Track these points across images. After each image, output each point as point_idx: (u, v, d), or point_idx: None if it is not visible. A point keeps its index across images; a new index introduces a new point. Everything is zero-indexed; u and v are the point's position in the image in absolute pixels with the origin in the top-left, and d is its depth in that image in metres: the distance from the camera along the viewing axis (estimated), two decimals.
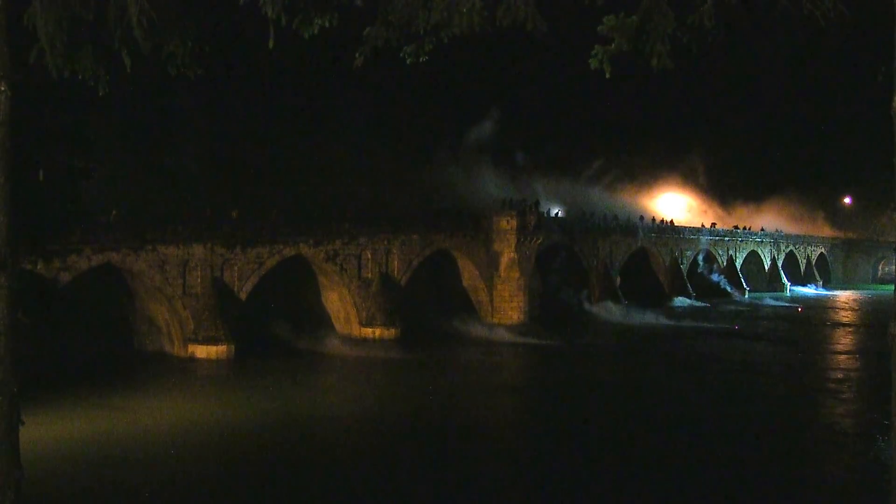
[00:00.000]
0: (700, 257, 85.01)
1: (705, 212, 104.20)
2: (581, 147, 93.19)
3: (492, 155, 79.29)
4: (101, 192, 48.52)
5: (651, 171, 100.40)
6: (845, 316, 75.08)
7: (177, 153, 61.00)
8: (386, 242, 53.40)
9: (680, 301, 77.19)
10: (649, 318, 64.05)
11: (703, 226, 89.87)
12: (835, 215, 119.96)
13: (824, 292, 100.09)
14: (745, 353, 50.33)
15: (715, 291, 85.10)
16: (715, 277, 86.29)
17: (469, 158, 77.63)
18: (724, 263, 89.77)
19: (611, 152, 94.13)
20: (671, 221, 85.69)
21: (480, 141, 79.14)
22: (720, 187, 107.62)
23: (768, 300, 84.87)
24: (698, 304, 77.20)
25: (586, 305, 66.33)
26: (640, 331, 58.74)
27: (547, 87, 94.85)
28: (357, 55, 8.16)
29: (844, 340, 58.11)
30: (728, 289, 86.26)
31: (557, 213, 71.82)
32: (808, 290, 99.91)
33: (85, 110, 44.04)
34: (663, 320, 63.49)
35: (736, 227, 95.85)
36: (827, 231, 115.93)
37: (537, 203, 64.58)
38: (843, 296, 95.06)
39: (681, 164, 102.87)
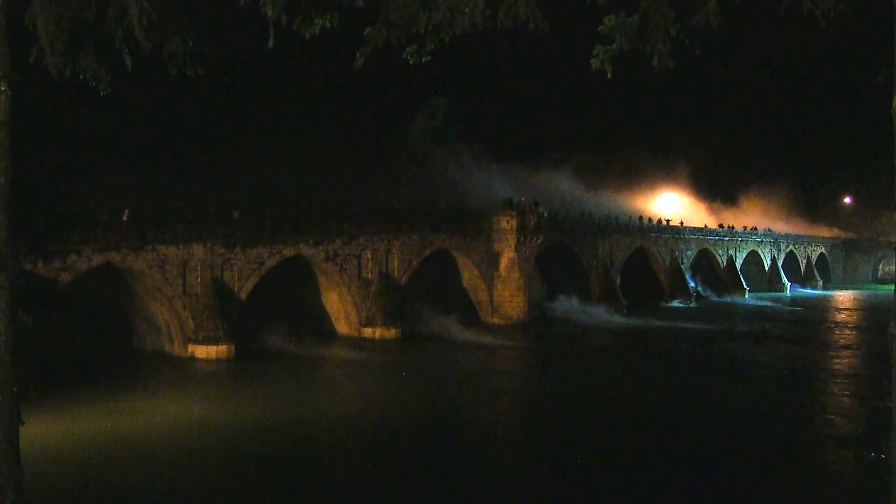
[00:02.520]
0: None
1: (697, 208, 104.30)
2: (570, 145, 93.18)
3: (480, 151, 79.15)
4: (100, 191, 48.56)
5: (648, 171, 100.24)
6: (843, 316, 75.05)
7: (176, 152, 61.02)
8: (386, 242, 53.39)
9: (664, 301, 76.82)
10: (604, 316, 63.46)
11: (678, 223, 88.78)
12: (835, 215, 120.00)
13: (824, 292, 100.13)
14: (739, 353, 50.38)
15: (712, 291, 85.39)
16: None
17: (458, 155, 77.34)
18: (725, 263, 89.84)
19: (605, 151, 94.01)
20: (668, 221, 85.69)
21: (461, 136, 78.77)
22: (713, 187, 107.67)
23: (750, 300, 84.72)
24: (681, 304, 76.98)
25: (546, 304, 64.75)
26: (596, 331, 57.90)
27: (533, 85, 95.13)
28: (357, 55, 8.15)
29: (840, 340, 58.06)
30: (691, 285, 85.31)
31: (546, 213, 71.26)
32: (809, 291, 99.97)
33: (85, 110, 44.04)
34: (618, 318, 63.05)
35: (723, 226, 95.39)
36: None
37: (537, 203, 64.56)
38: (843, 296, 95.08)
39: (676, 164, 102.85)
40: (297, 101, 71.87)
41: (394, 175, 71.44)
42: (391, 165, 73.61)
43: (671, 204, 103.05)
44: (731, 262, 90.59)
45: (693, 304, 77.47)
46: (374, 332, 50.98)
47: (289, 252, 48.61)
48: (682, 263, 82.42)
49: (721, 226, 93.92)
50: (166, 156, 60.25)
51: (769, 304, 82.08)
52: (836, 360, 48.92)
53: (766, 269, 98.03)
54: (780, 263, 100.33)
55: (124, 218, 43.04)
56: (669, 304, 75.95)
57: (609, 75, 7.45)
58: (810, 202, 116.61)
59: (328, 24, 7.85)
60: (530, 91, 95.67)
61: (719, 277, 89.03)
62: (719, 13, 7.10)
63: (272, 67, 62.75)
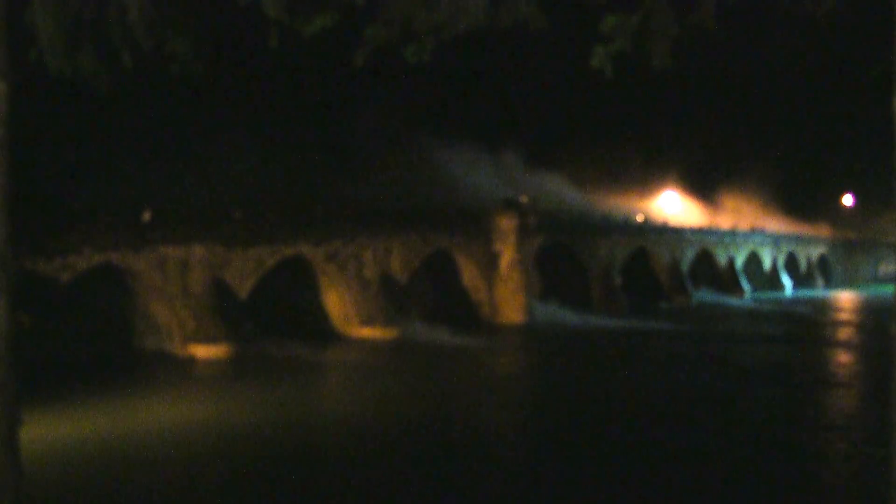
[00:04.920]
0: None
1: (694, 207, 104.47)
2: (565, 144, 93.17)
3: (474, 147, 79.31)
4: (101, 191, 48.58)
5: (642, 171, 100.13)
6: (844, 316, 75.01)
7: (176, 152, 61.06)
8: (386, 242, 53.36)
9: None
10: (604, 317, 63.30)
11: (675, 223, 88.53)
12: (835, 215, 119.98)
13: (824, 292, 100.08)
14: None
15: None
16: None
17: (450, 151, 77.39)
18: (725, 264, 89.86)
19: (598, 150, 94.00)
20: (665, 223, 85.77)
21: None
22: (707, 187, 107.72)
23: (751, 301, 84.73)
24: (681, 305, 76.95)
25: (545, 304, 63.96)
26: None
27: (526, 84, 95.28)
28: (357, 55, 8.14)
29: (841, 340, 58.05)
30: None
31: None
32: (809, 291, 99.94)
33: (86, 110, 44.01)
34: (618, 319, 63.03)
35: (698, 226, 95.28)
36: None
37: (536, 202, 64.55)
38: (844, 296, 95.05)
39: (671, 164, 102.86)
40: (292, 100, 71.97)
41: (391, 173, 71.43)
42: (388, 164, 73.61)
43: (672, 204, 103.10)
44: (731, 262, 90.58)
45: (693, 305, 77.52)
46: (374, 332, 50.97)
47: (289, 252, 48.61)
48: (682, 264, 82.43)
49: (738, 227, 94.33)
50: (166, 155, 60.28)
51: (769, 304, 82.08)
52: (836, 360, 48.95)
53: (767, 269, 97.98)
54: (780, 264, 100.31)
55: (146, 217, 42.98)
56: (669, 305, 75.96)
57: (609, 75, 7.45)
58: (810, 202, 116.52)
59: (328, 23, 7.84)
60: (522, 90, 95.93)
61: (720, 278, 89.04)
62: (714, 14, 7.10)
63: (269, 66, 62.84)
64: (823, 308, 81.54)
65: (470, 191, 69.87)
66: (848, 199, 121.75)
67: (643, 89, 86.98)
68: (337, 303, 52.98)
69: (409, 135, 77.44)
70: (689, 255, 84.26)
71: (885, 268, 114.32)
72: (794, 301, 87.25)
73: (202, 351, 43.08)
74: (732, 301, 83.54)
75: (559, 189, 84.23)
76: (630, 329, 58.90)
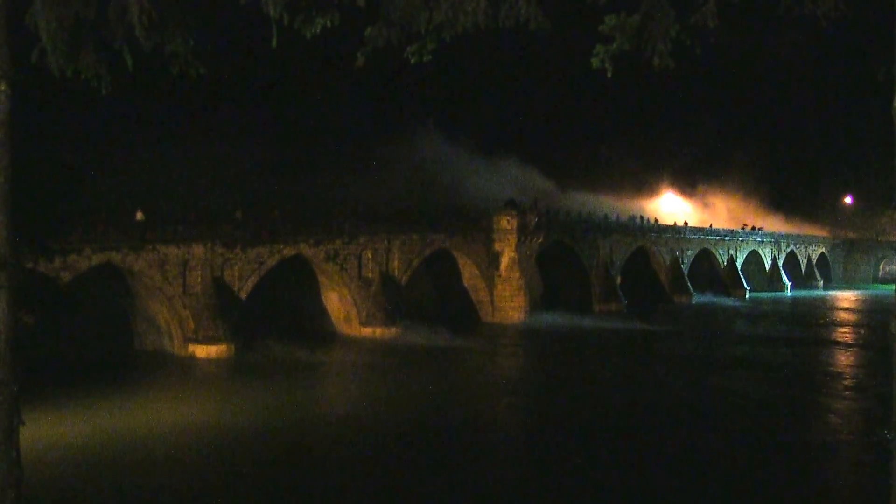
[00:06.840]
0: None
1: (691, 207, 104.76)
2: (563, 144, 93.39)
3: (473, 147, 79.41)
4: (102, 191, 48.56)
5: (638, 171, 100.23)
6: (845, 316, 75.00)
7: (177, 153, 61.04)
8: (386, 242, 53.36)
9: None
10: (605, 318, 63.16)
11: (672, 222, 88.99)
12: (835, 215, 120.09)
13: (824, 292, 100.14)
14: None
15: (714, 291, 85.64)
16: None
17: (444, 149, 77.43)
18: (725, 263, 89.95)
19: (592, 149, 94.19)
20: (656, 220, 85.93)
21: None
22: (706, 187, 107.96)
23: (751, 301, 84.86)
24: (682, 304, 77.08)
25: (544, 307, 64.15)
26: None
27: (522, 85, 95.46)
28: (358, 55, 8.15)
29: (842, 339, 58.03)
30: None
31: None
32: (810, 291, 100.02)
33: (87, 109, 43.97)
34: (620, 320, 63.00)
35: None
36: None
37: (536, 202, 64.54)
38: (844, 296, 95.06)
39: (669, 164, 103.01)
40: (294, 100, 72.06)
41: (390, 173, 71.44)
42: (388, 164, 73.62)
43: (672, 205, 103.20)
44: (731, 262, 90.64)
45: (693, 305, 77.60)
46: (374, 332, 50.97)
47: (289, 252, 48.59)
48: (683, 263, 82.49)
49: (749, 227, 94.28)
50: (166, 154, 60.27)
51: (770, 304, 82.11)
52: (837, 360, 48.93)
53: (767, 269, 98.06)
54: (780, 263, 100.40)
55: (137, 217, 42.92)
56: (670, 305, 75.95)
57: (609, 75, 7.46)
58: (810, 202, 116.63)
59: (329, 24, 7.84)
60: (518, 90, 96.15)
61: (720, 278, 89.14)
62: (716, 13, 7.10)
63: (272, 66, 62.90)
64: (825, 308, 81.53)
65: (468, 192, 69.87)
66: (848, 199, 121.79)
67: (641, 90, 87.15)
68: (337, 303, 52.98)
69: (407, 135, 77.55)
70: (689, 255, 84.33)
71: (886, 268, 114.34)
72: (795, 301, 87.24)
73: (202, 351, 43.07)
74: (733, 301, 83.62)
75: (554, 189, 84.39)
76: (631, 330, 58.85)
